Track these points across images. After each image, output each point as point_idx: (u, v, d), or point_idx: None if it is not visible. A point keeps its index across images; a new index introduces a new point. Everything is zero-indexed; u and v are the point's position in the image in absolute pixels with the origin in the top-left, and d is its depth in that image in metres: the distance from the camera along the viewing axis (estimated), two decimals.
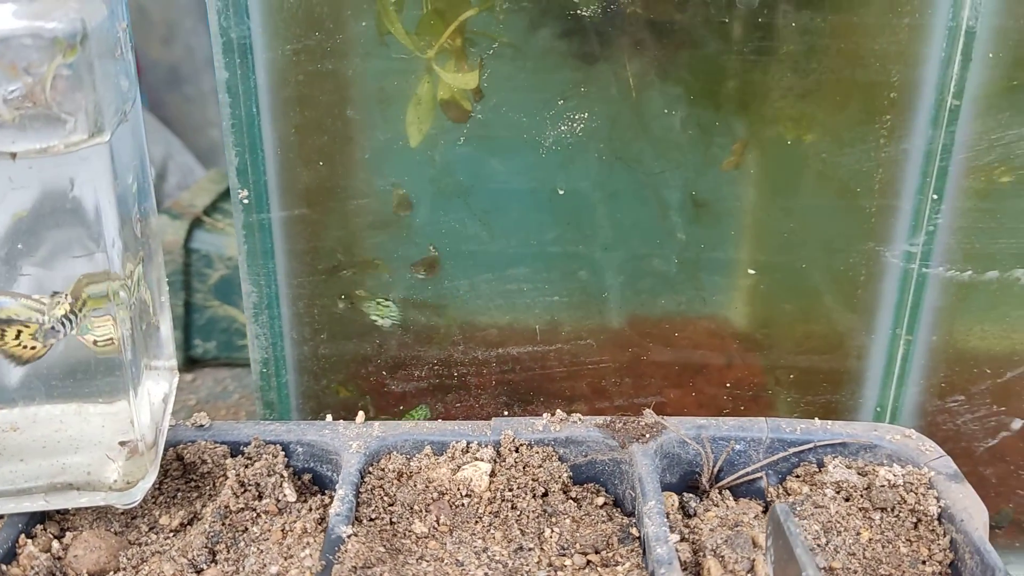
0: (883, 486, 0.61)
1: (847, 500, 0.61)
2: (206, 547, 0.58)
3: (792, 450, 0.65)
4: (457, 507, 0.61)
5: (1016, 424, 0.75)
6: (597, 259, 0.73)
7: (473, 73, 0.67)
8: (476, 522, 0.61)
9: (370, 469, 0.63)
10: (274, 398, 0.77)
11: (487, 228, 0.72)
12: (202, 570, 0.57)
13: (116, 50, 0.54)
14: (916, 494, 0.61)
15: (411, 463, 0.64)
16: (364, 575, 0.54)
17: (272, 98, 0.68)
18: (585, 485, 0.65)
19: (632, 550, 0.59)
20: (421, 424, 0.66)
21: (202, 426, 0.66)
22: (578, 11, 0.65)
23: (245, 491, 0.61)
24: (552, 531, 0.60)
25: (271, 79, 0.67)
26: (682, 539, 0.59)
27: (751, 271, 0.72)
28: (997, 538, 0.79)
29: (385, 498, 0.61)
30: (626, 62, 0.66)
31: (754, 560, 0.56)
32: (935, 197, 0.69)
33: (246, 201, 0.70)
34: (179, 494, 0.64)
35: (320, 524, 0.60)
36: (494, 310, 0.74)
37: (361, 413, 0.69)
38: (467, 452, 0.64)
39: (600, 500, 0.64)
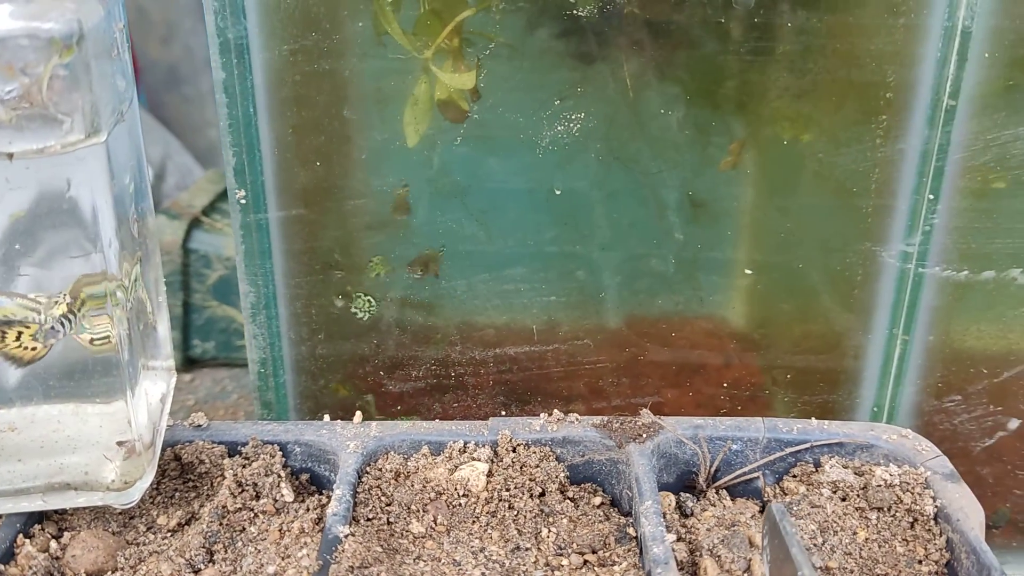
0: (879, 486, 0.61)
1: (843, 500, 0.61)
2: (204, 547, 0.58)
3: (789, 450, 0.65)
4: (454, 507, 0.61)
5: (1013, 424, 0.76)
6: (594, 259, 0.73)
7: (470, 73, 0.67)
8: (473, 522, 0.61)
9: (367, 469, 0.63)
10: (272, 398, 0.77)
11: (484, 228, 0.72)
12: (200, 570, 0.57)
13: (113, 50, 0.54)
14: (912, 494, 0.61)
15: (408, 463, 0.64)
16: (361, 575, 0.54)
17: (269, 98, 0.68)
18: (582, 485, 0.65)
19: (629, 550, 0.59)
20: (418, 424, 0.67)
21: (200, 426, 0.67)
22: (575, 11, 0.65)
23: (243, 491, 0.61)
24: (549, 531, 0.60)
25: (268, 79, 0.67)
26: (679, 539, 0.59)
27: (748, 271, 0.72)
28: (994, 538, 0.79)
29: (382, 498, 0.62)
30: (623, 62, 0.66)
31: (750, 560, 0.56)
32: (931, 197, 0.69)
33: (243, 201, 0.70)
34: (177, 494, 0.64)
35: (317, 524, 0.60)
36: (491, 310, 0.74)
37: (359, 413, 0.69)
38: (464, 452, 0.64)
39: (597, 500, 0.64)
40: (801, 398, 0.77)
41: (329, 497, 0.62)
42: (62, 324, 0.53)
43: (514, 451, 0.64)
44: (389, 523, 0.60)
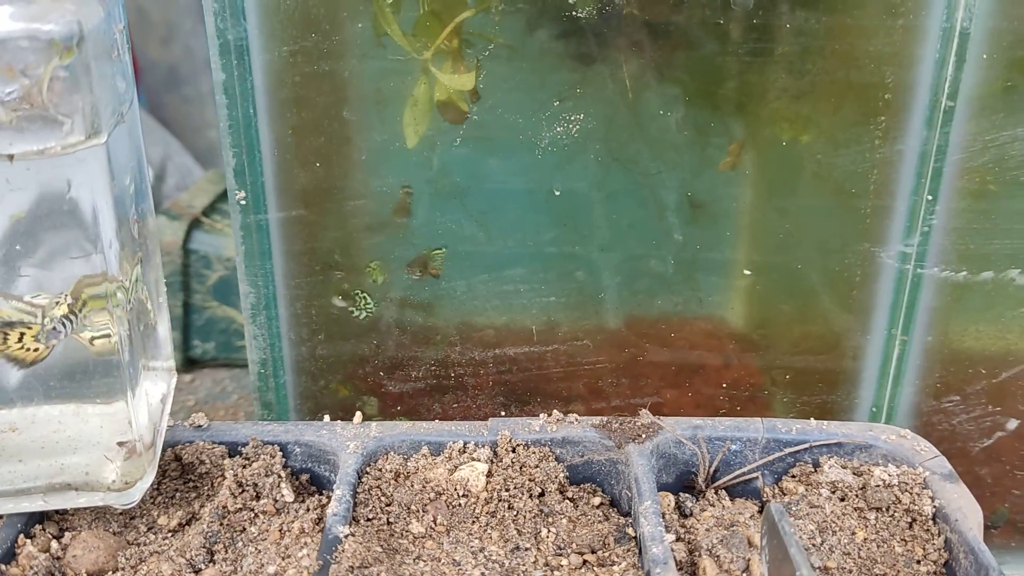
0: (878, 486, 0.61)
1: (842, 500, 0.61)
2: (204, 547, 0.58)
3: (788, 450, 0.65)
4: (454, 507, 0.61)
5: (1011, 424, 0.76)
6: (594, 260, 0.73)
7: (470, 74, 0.67)
8: (473, 522, 0.61)
9: (367, 469, 0.63)
10: (272, 399, 0.77)
11: (484, 229, 0.72)
12: (200, 570, 0.57)
13: (113, 52, 0.54)
14: (911, 494, 0.61)
15: (408, 463, 0.64)
16: (361, 575, 0.55)
17: (269, 99, 0.68)
18: (582, 485, 0.65)
19: (628, 550, 0.59)
20: (418, 424, 0.67)
21: (200, 426, 0.67)
22: (574, 12, 0.65)
23: (243, 491, 0.61)
24: (549, 531, 0.60)
25: (268, 81, 0.67)
26: (678, 539, 0.59)
27: (747, 272, 0.72)
28: (993, 538, 0.79)
29: (382, 498, 0.62)
30: (622, 63, 0.66)
31: (749, 560, 0.56)
32: (930, 198, 0.69)
33: (243, 202, 0.70)
34: (177, 494, 0.64)
35: (318, 524, 0.60)
36: (491, 311, 0.75)
37: (359, 414, 0.69)
38: (464, 452, 0.64)
39: (596, 500, 0.64)
40: (800, 398, 0.77)
41: (329, 497, 0.62)
42: (63, 325, 0.53)
43: (514, 451, 0.64)
44: (389, 523, 0.60)
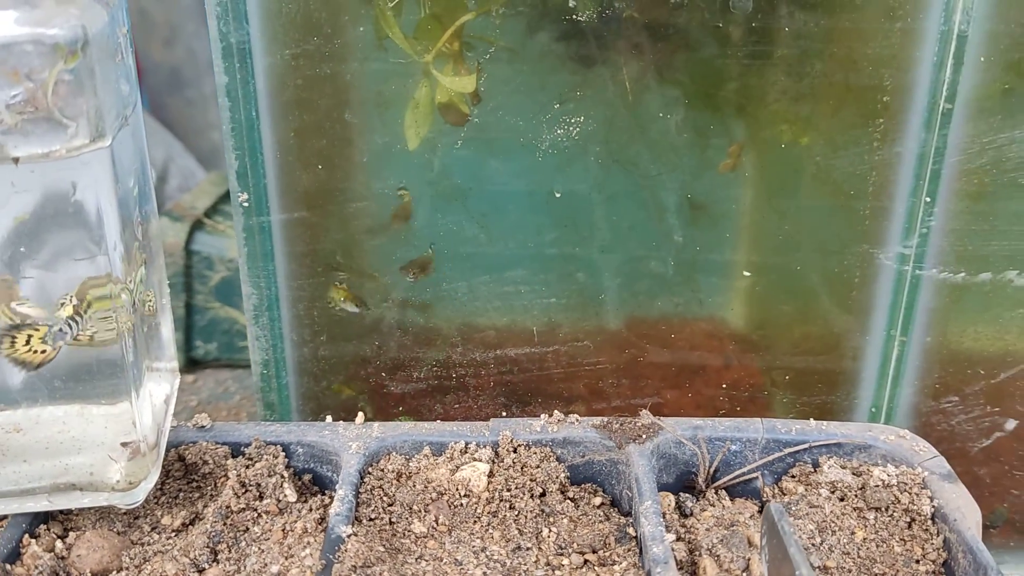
0: (877, 486, 0.62)
1: (842, 500, 0.62)
2: (208, 547, 0.58)
3: (787, 450, 0.65)
4: (456, 507, 0.62)
5: (1010, 424, 0.76)
6: (594, 261, 0.73)
7: (471, 77, 0.67)
8: (475, 522, 0.61)
9: (370, 470, 0.64)
10: (275, 399, 0.78)
11: (485, 230, 0.72)
12: (204, 569, 0.57)
13: (117, 55, 0.54)
14: (910, 494, 0.61)
15: (410, 464, 0.64)
16: (364, 574, 0.55)
17: (271, 102, 0.68)
18: (582, 485, 0.65)
19: (629, 549, 0.60)
20: (420, 425, 0.67)
21: (203, 427, 0.67)
22: (575, 15, 0.65)
23: (246, 491, 0.62)
24: (550, 531, 0.61)
25: (270, 83, 0.67)
26: (678, 538, 0.59)
27: (747, 273, 0.73)
28: (991, 537, 0.79)
29: (384, 498, 0.62)
30: (623, 66, 0.66)
31: (749, 559, 0.56)
32: (928, 200, 0.69)
33: (246, 204, 0.71)
34: (181, 494, 0.64)
35: (320, 524, 0.60)
36: (492, 312, 0.75)
37: (361, 414, 0.69)
38: (465, 453, 0.65)
39: (597, 500, 0.64)
40: (800, 399, 0.77)
41: (332, 497, 0.63)
42: (69, 326, 0.53)
43: (515, 452, 0.65)
44: (391, 523, 0.61)
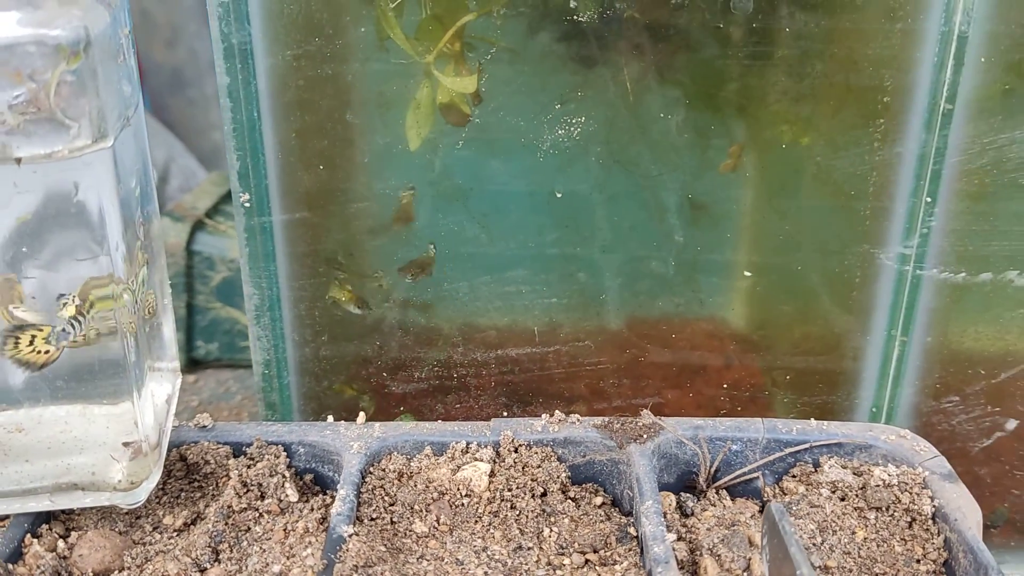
0: (878, 486, 0.62)
1: (842, 500, 0.62)
2: (209, 546, 0.58)
3: (788, 450, 0.65)
4: (457, 507, 0.62)
5: (1010, 424, 0.76)
6: (595, 261, 0.73)
7: (472, 77, 0.67)
8: (476, 522, 0.61)
9: (371, 469, 0.64)
10: (276, 399, 0.78)
11: (486, 230, 0.72)
12: (205, 569, 0.58)
13: (119, 56, 0.55)
14: (911, 494, 0.61)
15: (411, 463, 0.64)
16: (365, 574, 0.55)
17: (273, 102, 0.68)
18: (583, 485, 0.66)
19: (630, 549, 0.60)
20: (421, 425, 0.67)
21: (205, 427, 0.67)
22: (576, 16, 0.65)
23: (248, 491, 0.62)
24: (551, 530, 0.61)
25: (272, 84, 0.67)
26: (679, 538, 0.59)
27: (747, 273, 0.73)
28: (992, 537, 0.79)
29: (386, 498, 0.62)
30: (623, 66, 0.67)
31: (750, 559, 0.57)
32: (928, 200, 0.69)
33: (247, 204, 0.71)
34: (182, 494, 0.64)
35: (322, 524, 0.60)
36: (493, 312, 0.75)
37: (362, 414, 0.69)
38: (467, 452, 0.65)
39: (598, 500, 0.64)
40: (800, 399, 0.77)
41: (333, 497, 0.63)
42: (72, 326, 0.53)
43: (516, 451, 0.65)
44: (393, 523, 0.61)
